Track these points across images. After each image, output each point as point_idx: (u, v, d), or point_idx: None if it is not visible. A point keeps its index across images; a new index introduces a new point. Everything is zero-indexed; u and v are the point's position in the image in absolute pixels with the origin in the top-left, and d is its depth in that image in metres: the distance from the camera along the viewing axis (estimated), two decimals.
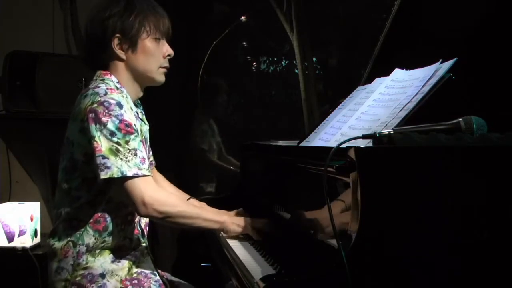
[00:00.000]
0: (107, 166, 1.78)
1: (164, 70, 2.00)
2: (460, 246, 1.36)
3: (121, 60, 1.95)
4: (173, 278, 2.15)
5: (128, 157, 1.80)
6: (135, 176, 1.80)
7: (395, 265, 1.33)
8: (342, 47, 5.11)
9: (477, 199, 1.37)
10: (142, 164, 1.82)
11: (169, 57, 2.01)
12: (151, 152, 2.16)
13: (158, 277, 1.99)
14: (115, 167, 1.78)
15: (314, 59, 4.40)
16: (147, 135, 2.07)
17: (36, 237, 3.13)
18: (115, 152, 1.79)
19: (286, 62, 5.20)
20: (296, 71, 3.99)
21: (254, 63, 5.32)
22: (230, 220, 1.98)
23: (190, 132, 4.16)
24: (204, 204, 2.30)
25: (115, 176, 1.78)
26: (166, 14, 2.00)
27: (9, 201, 3.30)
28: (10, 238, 3.03)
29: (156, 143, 3.66)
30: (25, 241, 3.05)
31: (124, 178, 1.79)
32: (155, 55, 1.96)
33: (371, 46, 2.32)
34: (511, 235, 1.37)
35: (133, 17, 1.92)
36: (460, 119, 1.48)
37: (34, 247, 3.08)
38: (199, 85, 4.05)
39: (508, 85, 1.77)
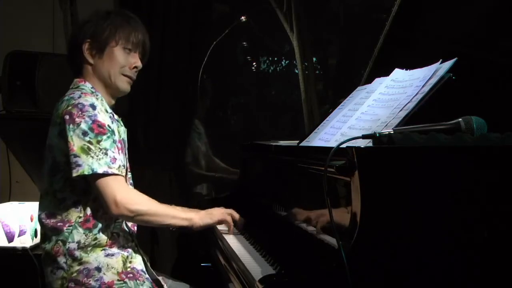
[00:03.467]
0: (78, 164, 1.85)
1: (128, 79, 2.06)
2: (460, 246, 1.36)
3: (90, 64, 2.03)
4: (170, 281, 2.15)
5: (99, 155, 1.86)
6: (106, 173, 1.86)
7: (395, 265, 1.34)
8: (342, 47, 5.11)
9: (477, 199, 1.38)
10: (113, 163, 1.88)
11: (135, 69, 2.06)
12: (127, 156, 2.13)
13: (147, 275, 2.02)
14: (86, 164, 1.84)
15: (314, 59, 4.40)
16: (125, 137, 2.10)
17: (36, 237, 3.13)
18: (87, 151, 1.85)
19: (286, 62, 5.20)
20: (296, 71, 3.98)
21: (254, 63, 5.31)
22: (197, 216, 2.03)
23: (189, 134, 4.14)
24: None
25: (86, 173, 1.84)
26: (141, 28, 2.07)
27: (9, 201, 3.30)
28: (10, 238, 3.03)
29: (156, 144, 3.67)
30: (25, 241, 3.05)
31: (95, 175, 1.86)
32: (120, 63, 2.03)
33: (371, 46, 2.32)
34: (511, 235, 1.37)
35: (106, 25, 2.01)
36: (460, 119, 1.48)
37: (34, 247, 3.07)
38: (199, 85, 4.03)
39: (508, 85, 1.77)
